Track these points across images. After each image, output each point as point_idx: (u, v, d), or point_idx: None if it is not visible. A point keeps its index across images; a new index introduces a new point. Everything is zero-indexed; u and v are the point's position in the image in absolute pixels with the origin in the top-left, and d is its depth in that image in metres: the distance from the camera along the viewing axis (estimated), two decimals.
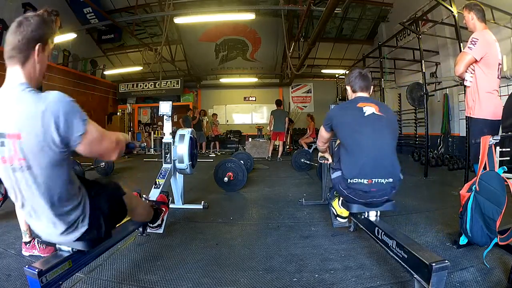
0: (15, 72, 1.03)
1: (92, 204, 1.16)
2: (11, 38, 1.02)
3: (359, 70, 1.96)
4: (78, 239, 1.15)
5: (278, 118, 7.75)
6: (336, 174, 1.84)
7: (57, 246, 1.25)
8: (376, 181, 1.68)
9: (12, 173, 0.99)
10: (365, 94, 1.92)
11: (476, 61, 2.13)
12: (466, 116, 2.41)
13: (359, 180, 1.69)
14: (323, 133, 2.05)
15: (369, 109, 1.77)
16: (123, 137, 1.26)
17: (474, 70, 2.17)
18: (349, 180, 1.71)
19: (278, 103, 8.07)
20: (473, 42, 2.11)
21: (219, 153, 9.75)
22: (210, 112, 13.18)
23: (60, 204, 1.06)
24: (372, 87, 1.98)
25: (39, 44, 1.05)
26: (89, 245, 1.24)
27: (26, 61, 1.04)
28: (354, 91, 1.94)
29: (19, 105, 0.95)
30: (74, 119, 0.98)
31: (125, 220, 1.64)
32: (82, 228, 1.13)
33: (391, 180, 1.70)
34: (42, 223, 1.11)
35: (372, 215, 1.78)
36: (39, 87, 1.09)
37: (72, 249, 1.25)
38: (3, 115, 0.96)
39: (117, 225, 1.46)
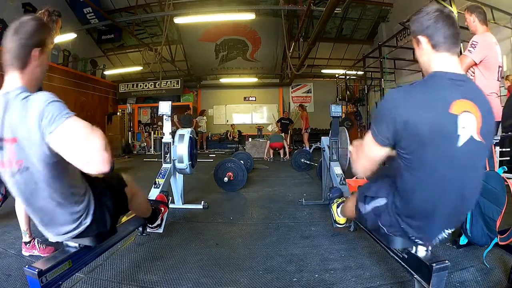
0: (13, 78, 1.03)
1: (95, 199, 1.17)
2: (8, 45, 1.01)
3: (437, 7, 1.06)
4: (83, 235, 1.16)
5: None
6: (376, 203, 1.21)
7: (64, 242, 1.26)
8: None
9: (13, 176, 1.00)
10: (454, 58, 1.05)
11: (475, 64, 2.15)
12: None
13: (415, 235, 1.15)
14: (374, 150, 1.08)
15: (467, 126, 0.97)
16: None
17: (474, 73, 2.19)
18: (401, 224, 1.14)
19: None
20: (472, 45, 2.13)
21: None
22: (210, 112, 13.22)
23: (62, 200, 1.06)
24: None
25: (37, 49, 1.05)
26: (95, 241, 1.25)
27: (24, 67, 1.04)
28: (435, 46, 1.04)
29: (13, 110, 0.96)
30: (51, 117, 0.92)
31: (125, 218, 1.65)
32: (86, 223, 1.14)
33: (453, 229, 1.18)
34: (48, 223, 1.12)
35: (422, 250, 1.25)
36: (39, 89, 1.09)
37: (79, 244, 1.26)
38: (1, 120, 0.97)
39: (119, 222, 1.47)
